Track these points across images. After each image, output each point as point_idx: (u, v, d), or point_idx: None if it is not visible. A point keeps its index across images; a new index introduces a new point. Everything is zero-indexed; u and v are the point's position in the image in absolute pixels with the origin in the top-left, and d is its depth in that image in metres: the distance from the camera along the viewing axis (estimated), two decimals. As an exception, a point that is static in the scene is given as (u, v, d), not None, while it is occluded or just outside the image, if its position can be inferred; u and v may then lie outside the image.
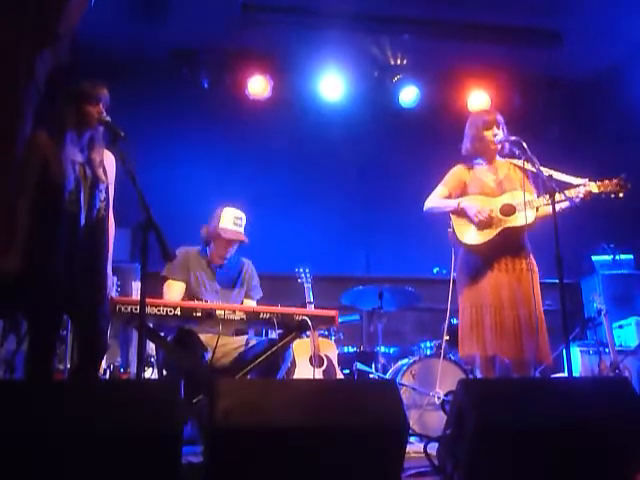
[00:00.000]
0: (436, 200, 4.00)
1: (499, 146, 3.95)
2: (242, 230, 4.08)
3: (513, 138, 3.82)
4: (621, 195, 3.71)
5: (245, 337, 4.01)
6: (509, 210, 3.82)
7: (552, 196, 3.52)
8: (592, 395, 2.58)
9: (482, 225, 3.81)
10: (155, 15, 5.75)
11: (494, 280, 3.79)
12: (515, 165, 3.97)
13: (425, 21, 6.31)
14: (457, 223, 3.91)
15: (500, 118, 3.97)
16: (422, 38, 6.43)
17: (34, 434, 2.01)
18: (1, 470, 1.96)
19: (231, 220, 4.05)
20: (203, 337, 3.78)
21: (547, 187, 3.58)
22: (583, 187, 3.71)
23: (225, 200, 4.20)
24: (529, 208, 3.73)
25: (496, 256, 3.82)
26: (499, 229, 3.80)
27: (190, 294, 3.93)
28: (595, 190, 3.71)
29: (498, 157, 4.03)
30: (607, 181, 3.72)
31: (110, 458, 2.06)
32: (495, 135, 3.93)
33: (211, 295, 3.97)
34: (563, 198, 3.65)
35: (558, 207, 3.60)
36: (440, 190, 4.01)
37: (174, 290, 3.92)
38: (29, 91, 3.52)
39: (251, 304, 4.11)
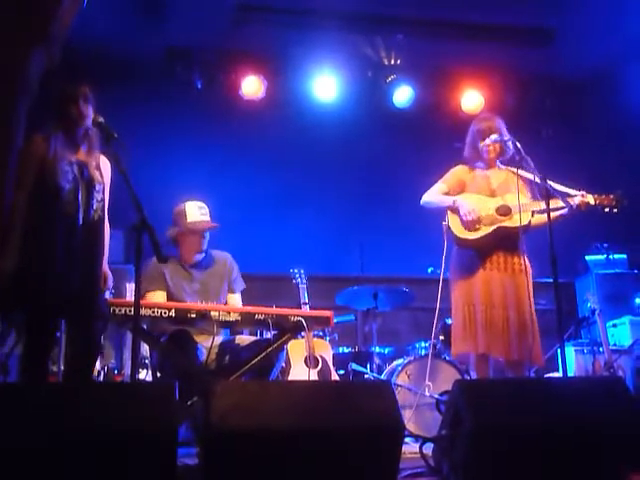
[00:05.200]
0: (434, 195, 4.04)
1: (493, 155, 3.98)
2: (209, 218, 4.04)
3: (507, 138, 3.85)
4: (615, 210, 3.78)
5: (239, 337, 4.00)
6: (505, 211, 3.86)
7: (547, 197, 3.54)
8: (587, 395, 2.59)
9: (469, 225, 3.83)
10: (149, 15, 5.74)
11: (486, 278, 3.82)
12: (513, 172, 3.99)
13: (419, 21, 6.31)
14: (453, 218, 3.94)
15: (498, 124, 3.99)
16: (416, 38, 6.43)
17: (28, 436, 2.00)
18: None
19: (197, 212, 4.01)
20: (198, 338, 3.77)
21: (541, 188, 3.61)
22: (580, 197, 3.77)
23: (218, 200, 4.19)
24: (524, 211, 3.75)
25: (489, 254, 3.85)
26: (494, 226, 3.83)
27: (171, 300, 3.89)
28: (592, 202, 3.77)
29: (499, 163, 4.06)
30: (604, 196, 3.79)
31: (105, 460, 2.06)
32: (487, 145, 3.96)
33: (192, 297, 3.93)
34: (559, 203, 3.67)
35: (554, 214, 3.63)
36: (439, 186, 4.06)
37: (157, 300, 3.87)
38: (23, 92, 3.51)
39: (235, 298, 4.08)
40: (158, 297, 3.88)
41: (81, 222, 3.18)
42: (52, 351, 3.38)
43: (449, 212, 3.96)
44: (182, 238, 4.03)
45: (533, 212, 3.79)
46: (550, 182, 3.70)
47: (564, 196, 3.72)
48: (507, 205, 3.86)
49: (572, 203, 3.72)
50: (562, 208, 3.72)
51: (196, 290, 3.98)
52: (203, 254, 4.06)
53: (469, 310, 3.82)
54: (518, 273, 3.81)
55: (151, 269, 3.88)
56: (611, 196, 3.78)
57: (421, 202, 4.06)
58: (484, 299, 3.78)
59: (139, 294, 2.85)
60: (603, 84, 6.66)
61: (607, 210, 3.77)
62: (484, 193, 3.96)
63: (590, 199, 3.77)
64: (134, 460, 2.08)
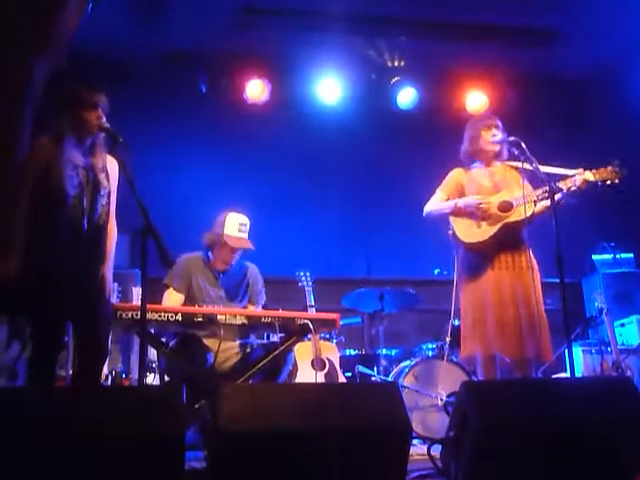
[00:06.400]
0: (434, 204, 4.04)
1: (497, 148, 3.97)
2: (246, 236, 4.03)
3: (512, 139, 3.85)
4: (617, 181, 3.70)
5: (247, 341, 4.00)
6: (507, 206, 3.85)
7: (552, 195, 3.53)
8: (595, 395, 2.58)
9: (483, 217, 3.82)
10: (154, 18, 5.75)
11: (495, 278, 3.81)
12: (511, 166, 4.00)
13: (422, 22, 6.31)
14: (456, 223, 3.94)
15: (499, 123, 4.01)
16: (419, 40, 6.44)
17: (35, 439, 2.00)
18: (6, 475, 1.96)
19: (235, 227, 4.00)
20: (206, 341, 3.77)
21: (546, 186, 3.60)
22: (579, 175, 3.72)
23: (224, 204, 4.19)
24: (527, 202, 3.74)
25: (496, 253, 3.84)
26: (499, 225, 3.83)
27: (192, 302, 3.91)
28: (591, 178, 3.71)
29: (495, 162, 4.05)
30: (602, 168, 3.72)
31: (113, 463, 2.06)
32: (493, 136, 3.96)
33: (214, 301, 3.95)
34: (561, 194, 3.65)
35: (557, 197, 3.60)
36: (438, 195, 4.06)
37: (172, 300, 3.90)
38: (28, 96, 3.52)
39: (255, 309, 4.10)
40: (175, 298, 3.91)
41: (86, 227, 3.18)
42: (59, 355, 3.38)
43: (452, 217, 3.95)
44: (215, 246, 4.06)
45: (535, 201, 3.77)
46: (548, 167, 3.69)
47: (564, 179, 3.69)
48: (508, 200, 3.85)
49: (573, 186, 3.67)
50: (565, 195, 3.69)
51: (221, 296, 4.02)
52: (232, 265, 4.08)
53: (479, 311, 3.80)
54: (526, 270, 3.80)
55: (182, 267, 3.94)
56: (609, 168, 3.72)
57: (424, 214, 4.06)
58: (495, 300, 3.76)
59: (146, 298, 2.85)
60: (607, 83, 6.64)
61: (609, 183, 3.68)
62: (484, 191, 3.94)
63: (589, 175, 3.71)
64: (142, 464, 2.08)
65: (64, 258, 3.12)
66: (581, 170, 3.75)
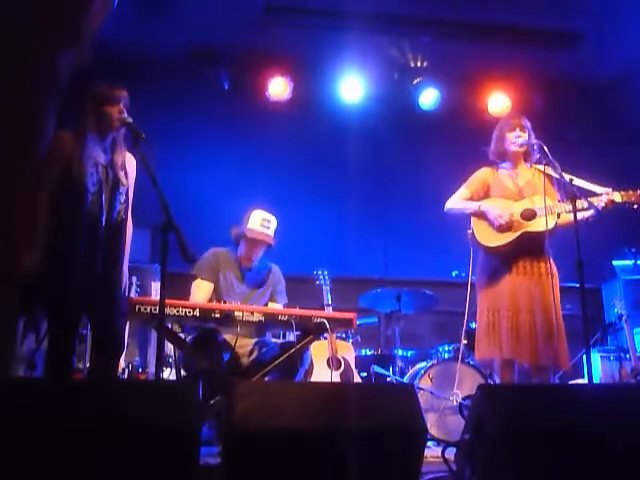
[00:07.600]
0: (457, 201, 4.01)
1: (522, 149, 3.94)
2: (269, 233, 4.10)
3: (535, 141, 3.82)
4: None
5: (263, 339, 4.01)
6: (530, 215, 3.80)
7: (573, 201, 3.50)
8: (612, 402, 2.55)
9: (502, 229, 3.80)
10: (176, 15, 5.78)
11: (512, 284, 3.78)
12: (539, 170, 3.95)
13: (445, 23, 6.28)
14: (477, 225, 3.91)
15: (527, 123, 3.98)
16: (442, 40, 6.41)
17: (52, 431, 2.02)
18: (19, 467, 1.98)
19: (258, 222, 4.08)
20: (226, 337, 3.79)
21: (569, 192, 3.57)
22: (606, 195, 3.70)
23: (244, 201, 4.22)
24: (550, 214, 3.71)
25: (515, 259, 3.81)
26: (518, 233, 3.79)
27: (218, 295, 3.96)
28: (618, 199, 3.69)
29: (525, 163, 4.01)
30: (631, 191, 3.71)
31: (127, 458, 2.07)
32: (517, 137, 3.92)
33: (238, 297, 4.00)
34: (585, 205, 3.61)
35: (581, 215, 3.60)
36: (462, 192, 4.02)
37: (202, 290, 3.95)
38: (52, 91, 3.55)
39: (276, 306, 4.12)
40: (204, 288, 3.96)
41: (104, 224, 3.21)
42: (76, 348, 3.41)
43: (473, 218, 3.93)
44: (240, 239, 4.13)
45: (559, 214, 3.74)
46: (576, 179, 3.66)
47: (591, 196, 3.66)
48: (532, 209, 3.81)
49: (598, 205, 3.65)
50: (588, 209, 3.66)
51: (244, 292, 4.06)
52: (256, 262, 4.13)
53: (494, 315, 3.78)
54: (545, 277, 3.76)
55: (210, 258, 4.02)
56: (638, 191, 3.69)
57: (445, 209, 4.04)
58: (510, 305, 3.74)
59: (165, 293, 2.87)
60: (631, 86, 6.57)
61: (636, 207, 3.68)
62: (509, 194, 3.91)
63: (617, 197, 3.69)
64: (156, 459, 2.09)
65: (82, 255, 3.14)
66: (609, 190, 3.72)
